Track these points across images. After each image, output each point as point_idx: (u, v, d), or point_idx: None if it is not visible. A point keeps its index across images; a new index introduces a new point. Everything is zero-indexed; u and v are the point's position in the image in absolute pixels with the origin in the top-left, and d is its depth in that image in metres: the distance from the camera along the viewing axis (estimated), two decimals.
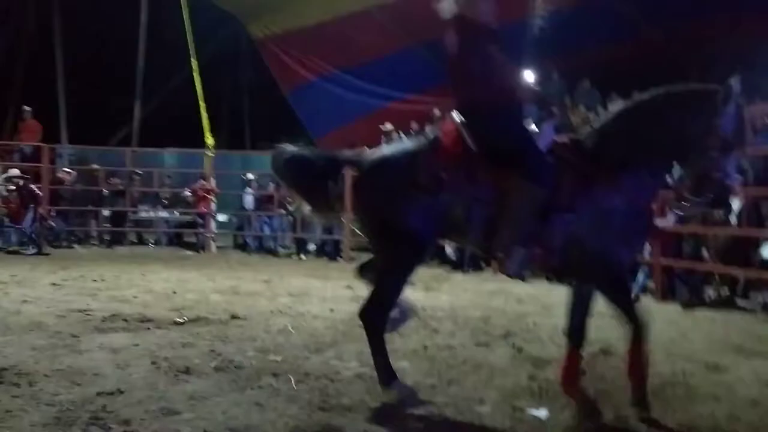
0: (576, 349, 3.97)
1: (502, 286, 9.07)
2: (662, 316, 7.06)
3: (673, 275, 8.33)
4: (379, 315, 4.11)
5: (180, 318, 6.16)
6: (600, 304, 4.01)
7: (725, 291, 8.00)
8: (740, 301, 7.79)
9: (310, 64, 15.59)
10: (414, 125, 15.06)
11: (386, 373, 4.00)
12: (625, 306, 3.87)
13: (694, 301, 7.71)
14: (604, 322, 4.43)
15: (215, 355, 4.87)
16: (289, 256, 13.26)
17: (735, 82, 3.60)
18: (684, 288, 8.10)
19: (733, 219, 7.79)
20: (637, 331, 3.80)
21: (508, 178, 3.72)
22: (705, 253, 8.21)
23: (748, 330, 6.38)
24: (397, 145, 5.21)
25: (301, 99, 16.07)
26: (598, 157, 3.78)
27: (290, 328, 5.91)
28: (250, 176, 14.25)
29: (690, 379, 4.55)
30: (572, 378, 3.91)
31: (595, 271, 3.82)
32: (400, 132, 14.89)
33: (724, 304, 7.69)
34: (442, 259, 11.64)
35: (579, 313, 3.99)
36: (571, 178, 3.75)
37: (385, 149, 4.62)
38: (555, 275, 6.92)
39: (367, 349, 5.15)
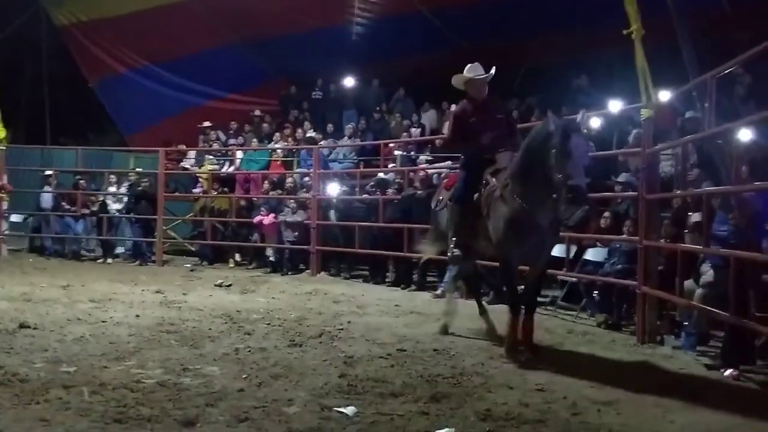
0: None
1: (319, 287, 9.13)
2: (467, 311, 7.48)
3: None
4: None
5: None
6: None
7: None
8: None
9: (120, 55, 14.60)
10: (233, 125, 14.73)
11: None
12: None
13: (497, 298, 8.23)
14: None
15: None
16: (94, 260, 12.31)
17: (551, 117, 5.00)
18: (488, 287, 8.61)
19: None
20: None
21: None
22: None
23: (539, 324, 6.90)
24: None
25: (110, 92, 14.99)
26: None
27: (88, 337, 5.47)
28: (49, 173, 13.05)
29: (488, 369, 4.85)
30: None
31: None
32: (219, 132, 14.49)
33: None
34: (261, 262, 11.46)
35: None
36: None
37: None
38: None
39: (173, 355, 4.95)
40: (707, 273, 5.60)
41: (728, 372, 4.94)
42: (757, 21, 7.95)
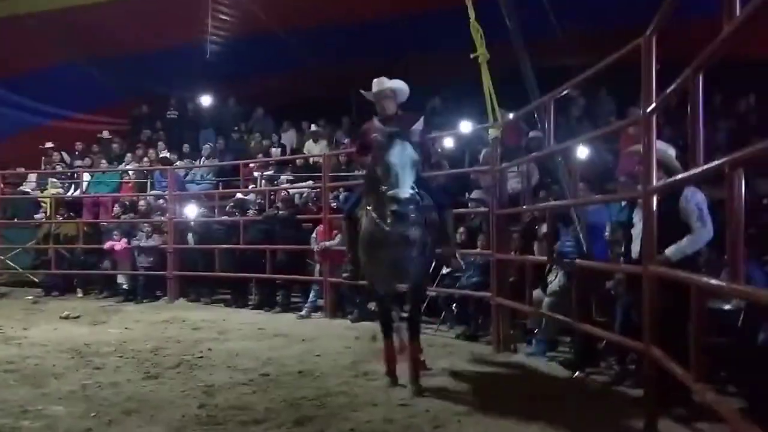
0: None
1: (178, 314, 8.75)
2: (332, 330, 7.49)
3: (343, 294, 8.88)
4: None
5: None
6: None
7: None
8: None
9: None
10: (79, 145, 13.85)
11: None
12: None
13: (360, 316, 8.30)
14: None
15: None
16: None
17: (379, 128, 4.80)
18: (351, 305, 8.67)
19: None
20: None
21: None
22: None
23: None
24: None
25: None
26: None
27: None
28: None
29: (353, 388, 4.86)
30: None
31: None
32: (63, 152, 13.56)
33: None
34: (113, 290, 10.79)
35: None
36: None
37: None
38: None
39: (12, 396, 4.53)
40: (553, 282, 5.98)
41: (576, 374, 5.29)
42: (586, 48, 8.66)
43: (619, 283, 5.31)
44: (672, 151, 4.50)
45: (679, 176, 3.80)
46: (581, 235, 6.04)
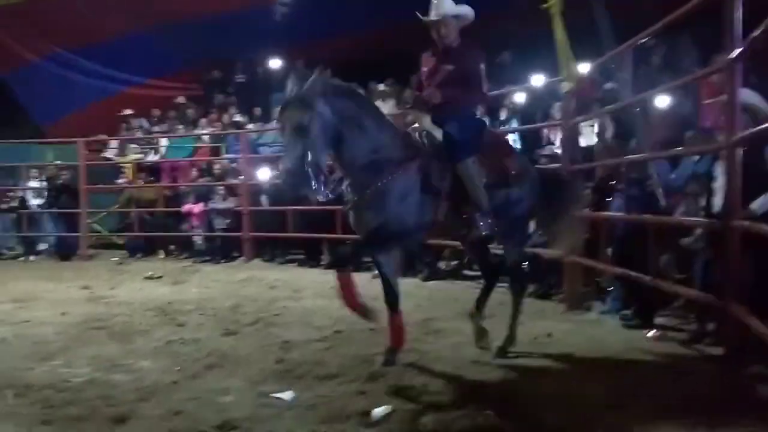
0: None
1: (253, 273, 9.02)
2: (402, 289, 7.54)
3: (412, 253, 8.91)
4: None
5: None
6: None
7: (454, 263, 8.73)
8: (466, 272, 8.59)
9: (29, 43, 13.90)
10: (156, 111, 14.29)
11: None
12: None
13: (430, 274, 8.34)
14: None
15: None
16: (15, 258, 11.78)
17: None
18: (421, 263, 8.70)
19: None
20: None
21: None
22: None
23: (472, 297, 7.05)
24: None
25: (23, 82, 14.27)
26: None
27: (10, 338, 5.24)
28: None
29: (423, 345, 4.90)
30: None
31: None
32: (141, 119, 14.03)
33: (454, 275, 8.44)
34: (192, 251, 11.21)
35: None
36: None
37: None
38: None
39: (102, 352, 4.80)
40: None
41: (651, 333, 5.17)
42: None
43: (698, 238, 5.11)
44: (758, 99, 4.26)
45: (766, 125, 3.60)
46: (659, 191, 5.83)
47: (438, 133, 4.44)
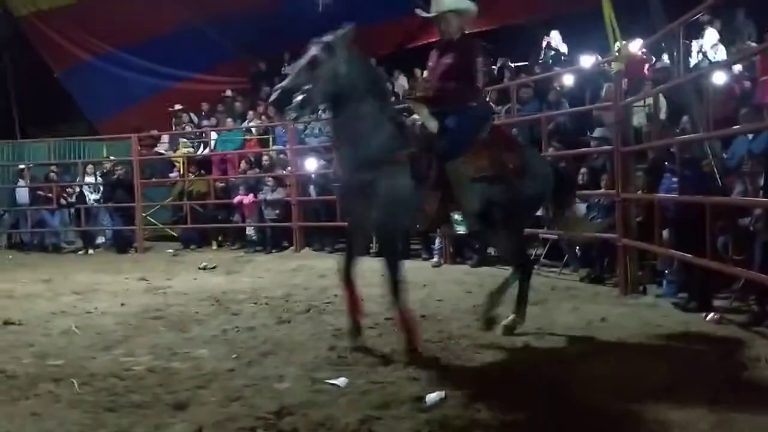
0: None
1: (304, 263, 9.13)
2: (451, 276, 7.55)
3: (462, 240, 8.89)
4: None
5: None
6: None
7: None
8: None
9: (83, 42, 14.29)
10: (205, 106, 14.53)
11: None
12: None
13: (480, 261, 8.31)
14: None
15: None
16: (75, 251, 12.20)
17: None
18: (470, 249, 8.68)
19: None
20: None
21: None
22: None
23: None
24: None
25: (77, 81, 14.66)
26: None
27: (74, 329, 5.44)
28: (22, 167, 12.86)
29: (474, 332, 4.89)
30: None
31: None
32: (190, 113, 14.30)
33: (504, 261, 8.36)
34: (244, 242, 11.42)
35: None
36: None
37: None
38: None
39: (161, 341, 4.94)
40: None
41: (710, 316, 5.04)
42: None
43: (758, 218, 4.95)
44: None
45: None
46: (716, 170, 5.67)
47: (434, 125, 4.48)
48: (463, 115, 4.53)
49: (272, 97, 4.23)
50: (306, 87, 4.11)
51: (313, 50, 4.21)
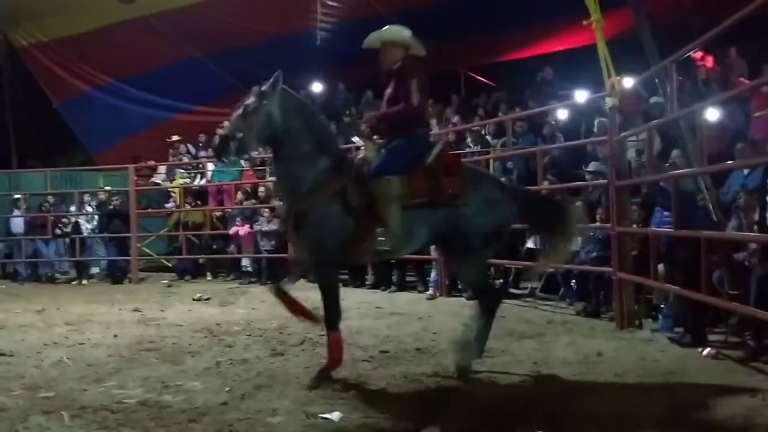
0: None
1: (300, 294, 9.04)
2: (447, 308, 7.53)
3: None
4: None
5: None
6: None
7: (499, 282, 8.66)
8: (513, 290, 8.52)
9: (83, 73, 14.40)
10: (202, 137, 14.60)
11: None
12: None
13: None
14: None
15: None
16: (69, 282, 12.13)
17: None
18: None
19: None
20: None
21: None
22: None
23: (519, 316, 7.01)
24: None
25: (76, 111, 14.78)
26: None
27: (66, 360, 5.38)
28: (18, 197, 12.83)
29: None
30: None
31: None
32: (188, 144, 14.36)
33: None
34: (239, 273, 11.38)
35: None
36: None
37: None
38: None
39: (154, 373, 4.89)
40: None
41: (707, 351, 5.02)
42: (712, 5, 8.11)
43: (753, 253, 4.97)
44: None
45: None
46: (710, 205, 5.70)
47: (374, 156, 4.63)
48: (403, 139, 4.61)
49: (212, 144, 4.55)
50: (239, 135, 4.46)
51: (247, 98, 4.54)
